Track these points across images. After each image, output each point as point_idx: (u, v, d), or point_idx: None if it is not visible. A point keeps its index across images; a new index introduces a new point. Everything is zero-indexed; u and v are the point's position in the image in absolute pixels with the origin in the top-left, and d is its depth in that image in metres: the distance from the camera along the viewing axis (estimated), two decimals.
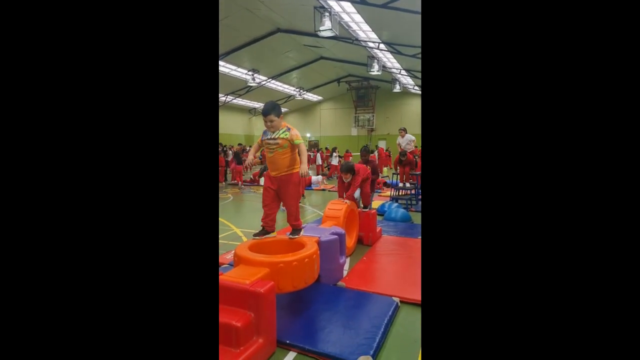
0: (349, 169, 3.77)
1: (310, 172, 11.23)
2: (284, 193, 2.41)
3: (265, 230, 2.45)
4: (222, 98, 18.19)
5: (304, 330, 1.99)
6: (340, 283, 2.66)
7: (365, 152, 4.82)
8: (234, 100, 18.75)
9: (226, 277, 1.86)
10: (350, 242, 3.43)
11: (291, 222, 2.47)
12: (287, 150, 2.34)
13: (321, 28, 8.55)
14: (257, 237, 2.41)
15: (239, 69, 14.64)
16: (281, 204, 2.52)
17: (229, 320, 1.65)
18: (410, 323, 2.15)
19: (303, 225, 3.29)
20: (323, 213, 3.52)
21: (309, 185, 8.71)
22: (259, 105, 20.71)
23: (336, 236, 2.75)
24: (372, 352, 1.75)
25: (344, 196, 3.77)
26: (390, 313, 2.15)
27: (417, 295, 2.39)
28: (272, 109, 2.31)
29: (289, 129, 2.34)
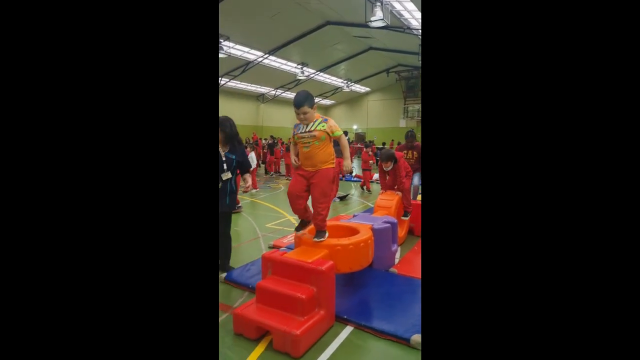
0: (390, 157, 3.63)
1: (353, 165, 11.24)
2: (317, 188, 2.14)
3: (304, 221, 2.32)
4: (272, 92, 18.84)
5: (360, 308, 2.16)
6: (392, 269, 2.78)
7: (411, 137, 4.60)
8: (283, 94, 19.30)
9: (290, 255, 2.08)
10: (401, 232, 3.51)
11: (318, 222, 2.20)
12: (325, 142, 2.14)
13: (372, 19, 8.50)
14: (299, 232, 2.30)
15: (289, 63, 15.03)
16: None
17: (295, 292, 1.86)
18: None
19: (355, 214, 3.44)
20: (374, 203, 3.64)
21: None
22: None
23: (389, 225, 2.86)
24: None
25: (395, 188, 3.72)
26: None
27: None
28: (305, 99, 2.08)
29: (325, 120, 2.15)
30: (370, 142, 14.28)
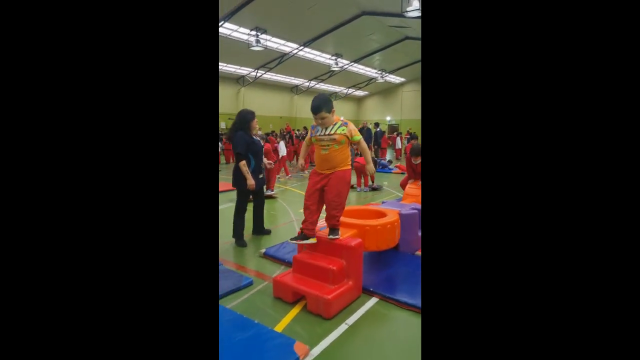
0: (420, 152, 3.69)
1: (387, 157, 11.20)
2: (333, 189, 2.16)
3: (305, 235, 2.23)
4: (305, 83, 19.08)
5: (386, 283, 2.37)
6: (417, 253, 2.95)
7: None
8: (316, 85, 19.49)
9: (323, 233, 2.33)
10: None
11: (332, 221, 2.21)
12: (344, 146, 2.16)
13: (408, 9, 8.41)
14: (294, 242, 2.27)
15: (323, 55, 15.16)
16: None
17: (327, 264, 2.11)
18: None
19: (384, 201, 3.62)
20: (404, 192, 3.79)
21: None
22: (339, 89, 21.11)
23: (416, 211, 3.02)
24: None
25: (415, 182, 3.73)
26: None
27: None
28: (323, 104, 2.06)
29: (345, 124, 2.14)
30: (413, 133, 13.94)
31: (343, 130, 2.13)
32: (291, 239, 2.29)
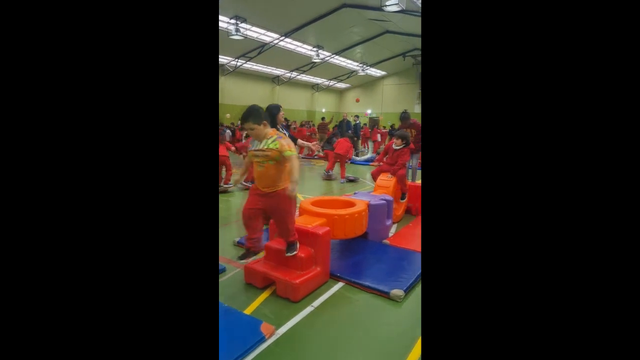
0: (404, 137, 3.86)
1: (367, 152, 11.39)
2: (277, 210, 2.04)
3: (251, 252, 2.13)
4: (287, 74, 18.95)
5: (352, 268, 2.51)
6: (385, 241, 3.11)
7: (406, 117, 4.85)
8: (298, 77, 19.38)
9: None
10: (398, 210, 3.82)
11: (286, 238, 2.13)
12: (279, 162, 1.96)
13: (387, 3, 8.51)
14: (242, 261, 2.19)
15: (304, 46, 15.07)
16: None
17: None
18: None
19: (356, 192, 3.76)
20: (375, 183, 3.94)
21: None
22: (321, 81, 21.09)
23: (384, 202, 3.17)
24: (405, 288, 2.20)
25: (391, 172, 3.84)
26: None
27: None
28: (249, 114, 1.92)
29: (279, 137, 1.98)
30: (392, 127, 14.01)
31: (275, 145, 1.94)
32: (239, 259, 2.20)
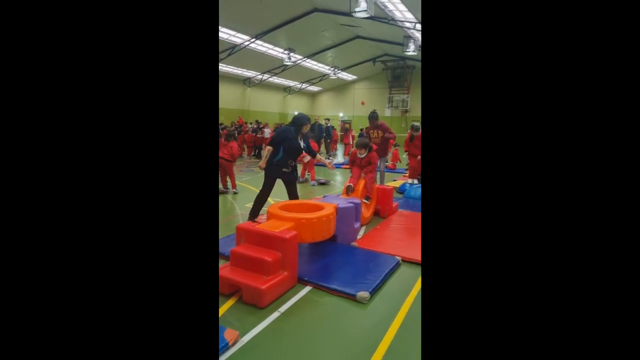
0: (365, 145, 3.93)
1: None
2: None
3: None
4: (258, 76, 18.76)
5: (320, 272, 2.53)
6: (354, 243, 3.16)
7: (374, 117, 4.99)
8: (270, 79, 19.25)
9: (261, 226, 2.41)
10: (367, 213, 3.89)
11: None
12: None
13: (356, 9, 8.67)
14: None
15: (276, 48, 15.01)
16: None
17: (263, 256, 2.21)
18: (407, 276, 2.61)
19: (325, 195, 3.78)
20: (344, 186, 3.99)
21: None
22: (293, 83, 21.08)
23: (352, 205, 3.23)
24: (370, 290, 2.25)
25: (362, 177, 3.92)
26: (391, 267, 2.63)
27: (416, 256, 2.84)
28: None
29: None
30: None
31: None
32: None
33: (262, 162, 3.42)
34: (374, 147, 4.13)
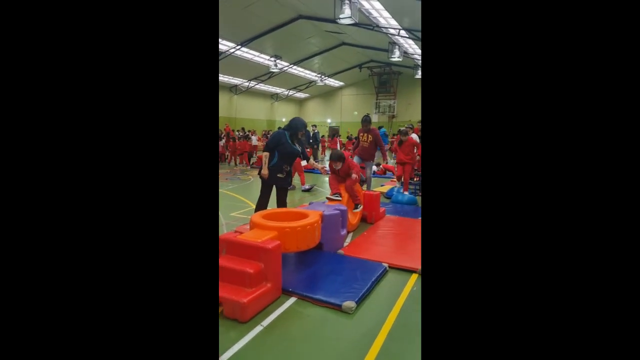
0: (340, 157, 3.82)
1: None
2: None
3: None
4: (244, 83, 18.69)
5: (305, 282, 2.46)
6: (340, 251, 3.10)
7: (367, 121, 5.04)
8: (256, 86, 19.21)
9: (243, 237, 2.34)
10: (353, 219, 3.85)
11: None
12: None
13: (341, 16, 8.73)
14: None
15: (262, 55, 15.01)
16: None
17: (245, 268, 2.13)
18: (394, 284, 2.56)
19: (311, 202, 3.72)
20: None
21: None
22: (280, 90, 21.09)
23: (338, 212, 3.17)
24: (356, 299, 2.19)
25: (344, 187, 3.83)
26: (378, 274, 2.58)
27: (404, 263, 2.80)
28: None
29: None
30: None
31: None
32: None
33: (264, 170, 3.28)
34: (351, 164, 3.97)
